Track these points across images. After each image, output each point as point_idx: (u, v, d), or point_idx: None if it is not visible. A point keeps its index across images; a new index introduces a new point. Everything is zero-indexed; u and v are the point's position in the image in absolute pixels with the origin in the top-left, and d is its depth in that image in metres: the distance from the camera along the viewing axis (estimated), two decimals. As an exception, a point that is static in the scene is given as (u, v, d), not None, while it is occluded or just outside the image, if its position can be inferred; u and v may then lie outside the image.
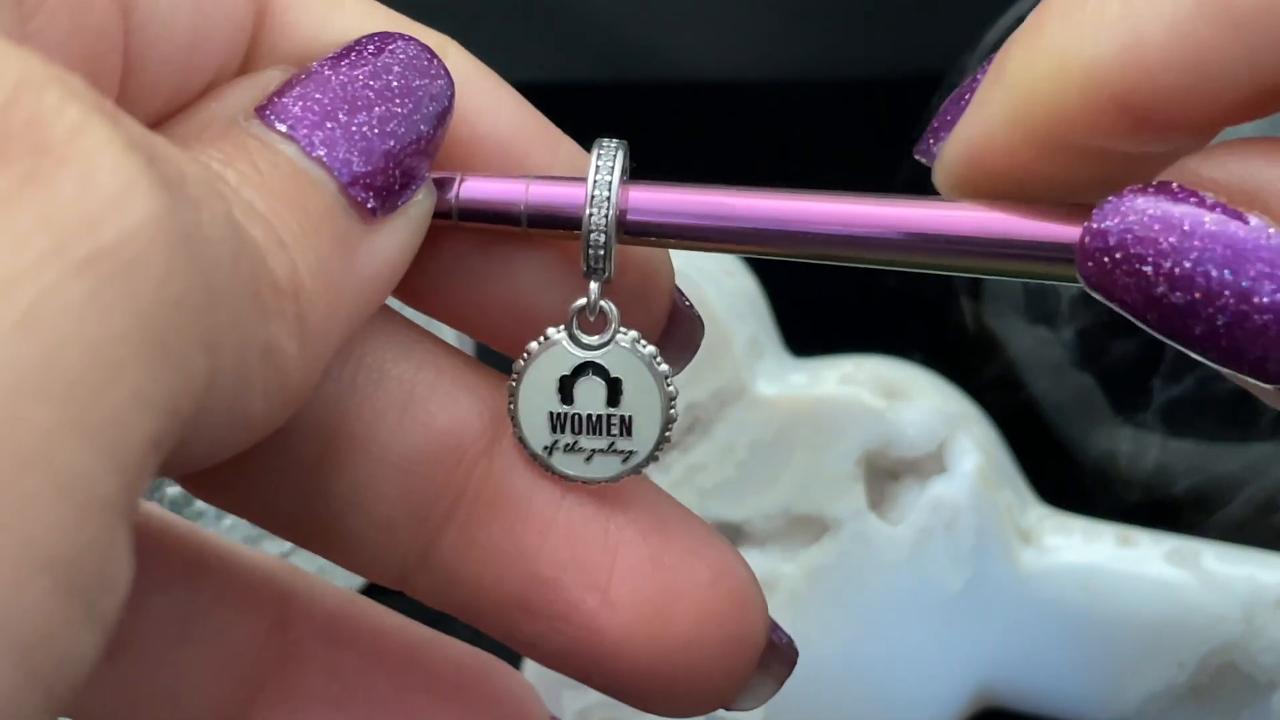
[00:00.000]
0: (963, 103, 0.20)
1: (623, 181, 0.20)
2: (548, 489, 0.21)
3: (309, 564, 0.29)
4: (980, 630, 0.37)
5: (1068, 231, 0.19)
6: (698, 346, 0.23)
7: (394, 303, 0.20)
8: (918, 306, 0.43)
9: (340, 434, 0.20)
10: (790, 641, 0.22)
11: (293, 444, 0.20)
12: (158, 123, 0.19)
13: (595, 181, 0.20)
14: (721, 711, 0.22)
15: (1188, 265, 0.17)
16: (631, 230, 0.20)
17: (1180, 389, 0.38)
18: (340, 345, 0.18)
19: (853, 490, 0.37)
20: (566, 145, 0.21)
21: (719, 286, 0.38)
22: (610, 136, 0.20)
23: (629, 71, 0.50)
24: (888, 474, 0.38)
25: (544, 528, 0.20)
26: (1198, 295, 0.17)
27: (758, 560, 0.37)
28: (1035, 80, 0.18)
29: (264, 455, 0.19)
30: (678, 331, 0.22)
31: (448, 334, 0.24)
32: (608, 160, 0.20)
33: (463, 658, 0.23)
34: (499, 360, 0.21)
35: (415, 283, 0.20)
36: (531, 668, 0.37)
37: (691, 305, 0.23)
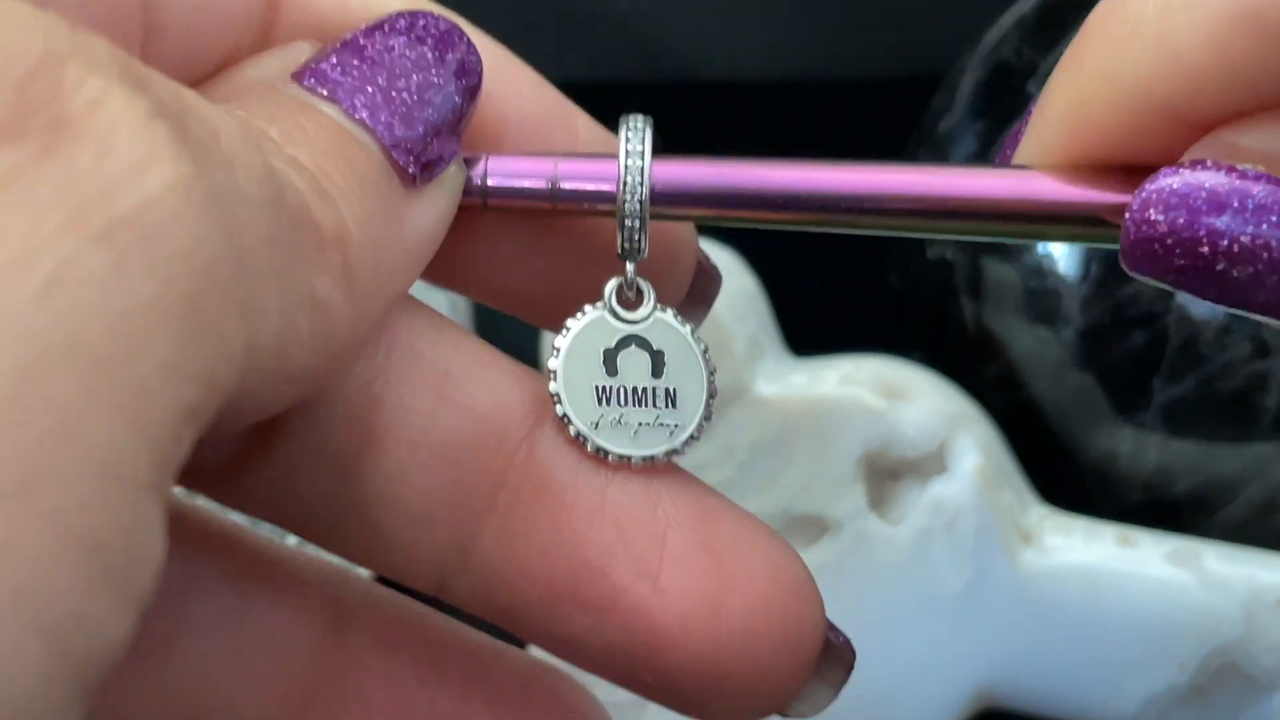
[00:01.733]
0: (1019, 136, 0.20)
1: (653, 157, 0.19)
2: (592, 473, 0.20)
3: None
4: (980, 630, 0.37)
5: (1110, 197, 0.19)
6: (712, 302, 0.23)
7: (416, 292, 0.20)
8: (918, 306, 0.43)
9: (375, 420, 0.19)
10: (848, 642, 0.21)
11: (325, 431, 0.19)
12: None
13: (627, 159, 0.19)
14: None
15: (1246, 240, 0.17)
16: (662, 204, 0.19)
17: (1181, 389, 0.38)
18: (387, 308, 0.18)
19: (853, 490, 0.37)
20: (584, 120, 0.21)
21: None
22: (616, 131, 0.20)
23: (629, 71, 0.50)
24: (888, 474, 0.37)
25: (589, 514, 0.19)
26: (1260, 267, 0.17)
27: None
28: (1084, 103, 0.19)
29: (293, 445, 0.19)
30: (696, 286, 0.22)
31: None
32: (637, 137, 0.20)
33: (526, 668, 0.22)
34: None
35: (444, 263, 0.20)
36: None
37: (710, 260, 0.22)
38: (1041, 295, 0.39)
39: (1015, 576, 0.37)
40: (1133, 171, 0.19)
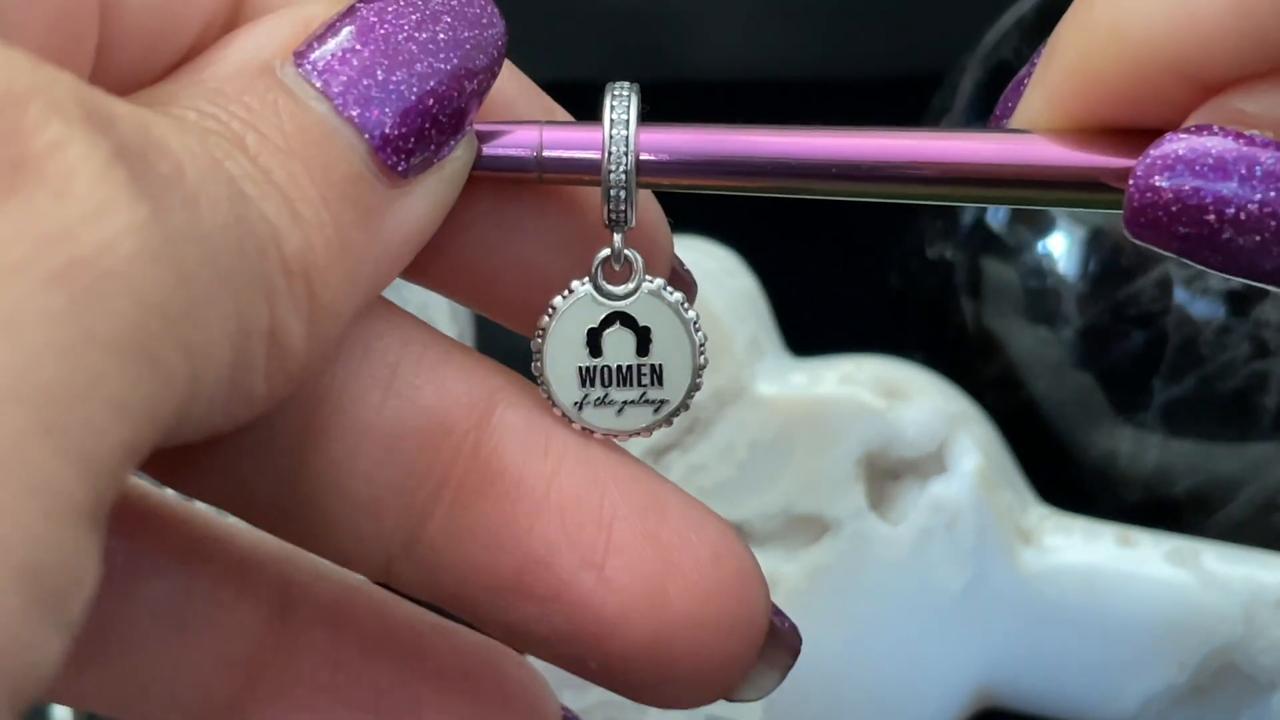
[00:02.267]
0: (1021, 87, 0.20)
1: (639, 124, 0.19)
2: (539, 465, 0.20)
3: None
4: (980, 630, 0.37)
5: (1113, 161, 0.18)
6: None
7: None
8: (918, 306, 0.43)
9: (322, 411, 0.19)
10: (793, 627, 0.22)
11: (274, 422, 0.19)
12: (152, 69, 0.18)
13: (612, 125, 0.19)
14: (721, 706, 0.21)
15: (1253, 208, 0.17)
16: (649, 173, 0.19)
17: (1181, 389, 0.38)
18: (356, 313, 0.18)
19: (853, 490, 0.37)
20: (561, 115, 0.20)
21: (719, 286, 0.38)
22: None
23: (628, 71, 0.49)
24: (888, 474, 0.37)
25: (535, 506, 0.20)
26: (1267, 235, 0.17)
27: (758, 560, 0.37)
28: (1092, 56, 0.18)
29: (241, 435, 0.19)
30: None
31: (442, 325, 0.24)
32: (622, 104, 0.19)
33: (471, 647, 0.23)
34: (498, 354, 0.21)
35: (420, 259, 0.20)
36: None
37: (686, 268, 0.22)
38: (1041, 295, 0.39)
39: (1015, 576, 0.37)
40: (1137, 135, 0.18)
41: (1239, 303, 0.36)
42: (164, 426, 0.14)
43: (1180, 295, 0.37)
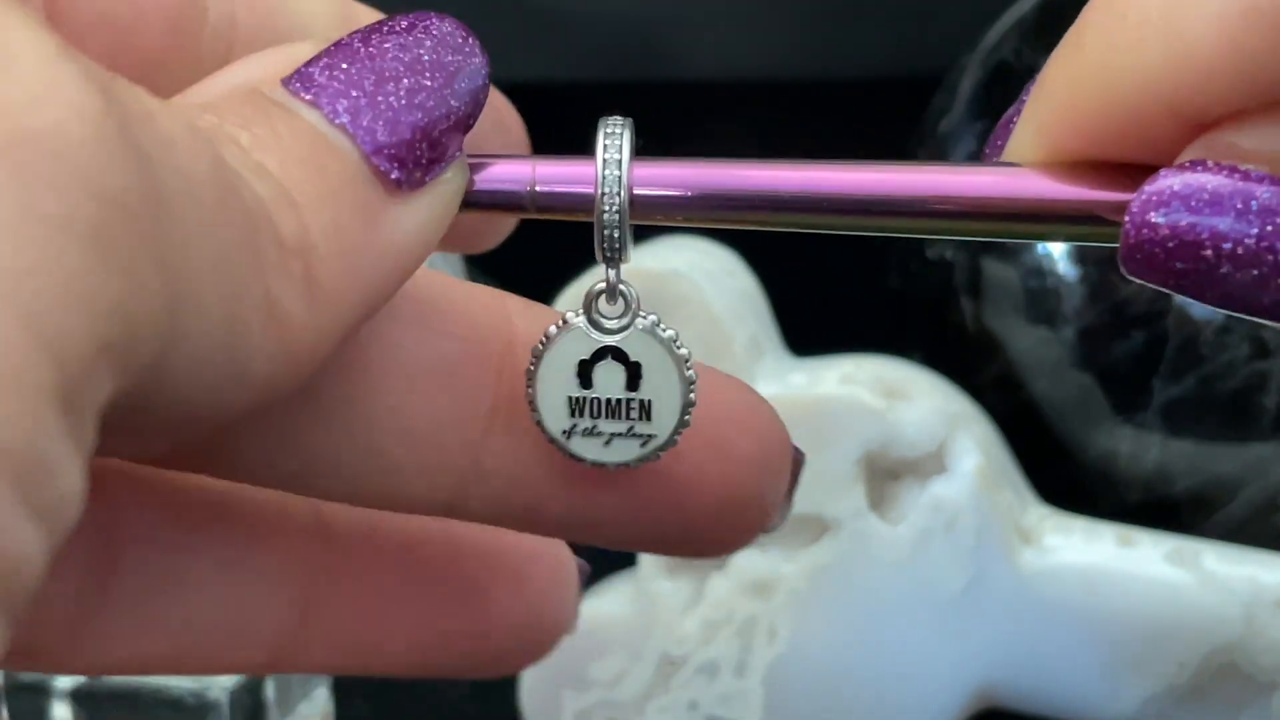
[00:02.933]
0: (1010, 125, 0.20)
1: (632, 160, 0.19)
2: None
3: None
4: (980, 630, 0.37)
5: (1108, 195, 0.18)
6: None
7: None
8: (918, 306, 0.43)
9: (365, 362, 0.20)
10: (799, 449, 0.23)
11: (317, 386, 0.19)
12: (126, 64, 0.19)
13: (605, 163, 0.19)
14: (721, 705, 0.22)
15: (1250, 243, 0.17)
16: (643, 209, 0.19)
17: (1181, 389, 0.38)
18: (362, 315, 0.18)
19: (853, 490, 0.37)
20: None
21: (719, 286, 0.38)
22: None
23: (627, 71, 0.50)
24: (888, 474, 0.37)
25: None
26: (1265, 270, 0.17)
27: (758, 560, 0.37)
28: (1083, 96, 0.18)
29: (288, 408, 0.19)
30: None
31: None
32: (615, 140, 0.19)
33: (492, 531, 0.24)
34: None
35: None
36: (530, 670, 0.37)
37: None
38: (1041, 295, 0.39)
39: (1015, 576, 0.37)
40: (1129, 169, 0.18)
41: (1239, 303, 0.36)
42: (142, 341, 0.14)
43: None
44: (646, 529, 0.22)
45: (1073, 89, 0.18)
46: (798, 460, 0.23)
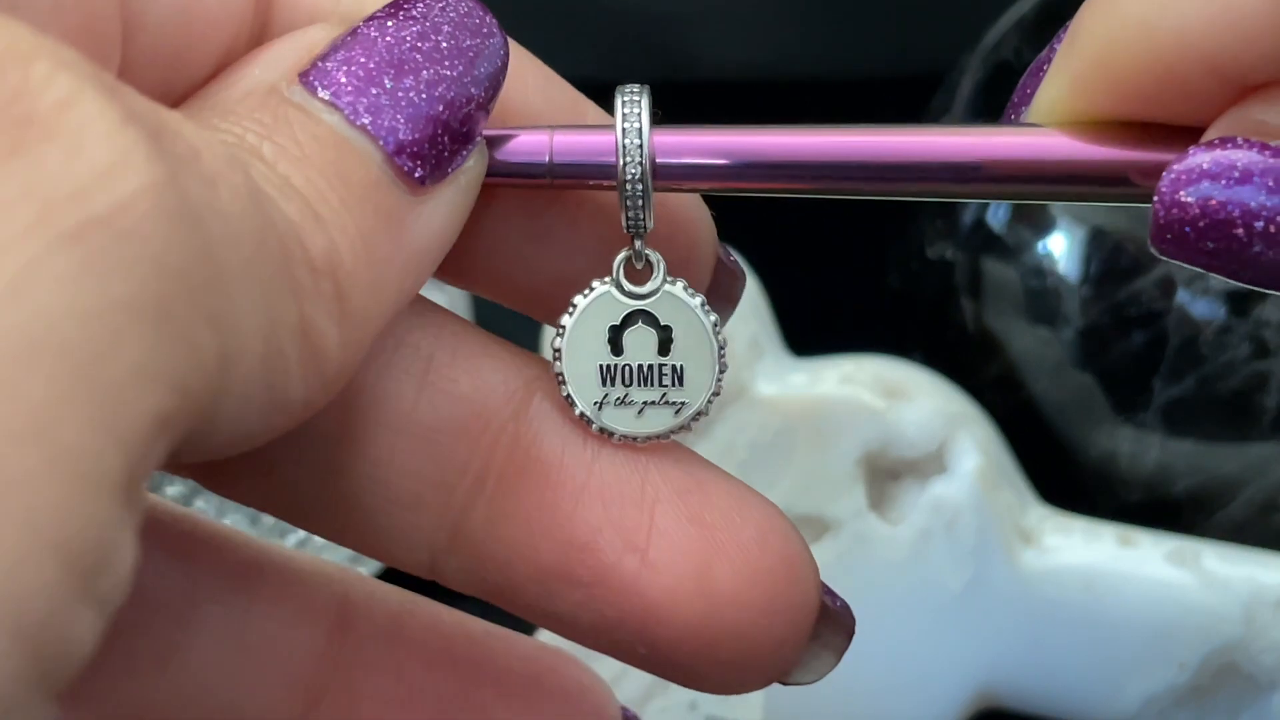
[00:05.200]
0: (1040, 74, 0.19)
1: (651, 127, 0.19)
2: (578, 452, 0.20)
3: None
4: (981, 630, 0.37)
5: (1134, 156, 0.18)
6: (738, 300, 0.22)
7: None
8: (918, 306, 0.43)
9: (359, 408, 0.19)
10: (846, 606, 0.21)
11: (312, 421, 0.18)
12: (173, 92, 0.18)
13: (624, 130, 0.19)
14: (720, 705, 0.21)
15: None
16: (665, 176, 0.19)
17: (1181, 389, 0.38)
18: (386, 322, 0.18)
19: (853, 490, 0.37)
20: (594, 112, 0.20)
21: (719, 286, 0.38)
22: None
23: (628, 71, 0.49)
24: (888, 474, 0.37)
25: (577, 491, 0.20)
26: None
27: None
28: (1119, 49, 0.18)
29: (283, 437, 0.19)
30: (719, 284, 0.22)
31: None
32: (634, 107, 0.19)
33: (529, 651, 0.22)
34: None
35: (451, 266, 0.20)
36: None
37: (734, 258, 0.22)
38: (1041, 295, 0.39)
39: (1015, 576, 0.37)
40: (1162, 130, 0.18)
41: (1239, 303, 0.36)
42: (197, 404, 0.14)
43: (1181, 295, 0.37)
44: (615, 643, 0.20)
45: (1108, 42, 0.18)
46: (834, 610, 0.21)
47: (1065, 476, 0.40)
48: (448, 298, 0.40)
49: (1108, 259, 0.38)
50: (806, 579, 0.20)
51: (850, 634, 0.21)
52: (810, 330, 0.39)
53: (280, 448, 0.19)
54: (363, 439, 0.19)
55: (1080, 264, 0.38)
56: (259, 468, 0.19)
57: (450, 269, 0.20)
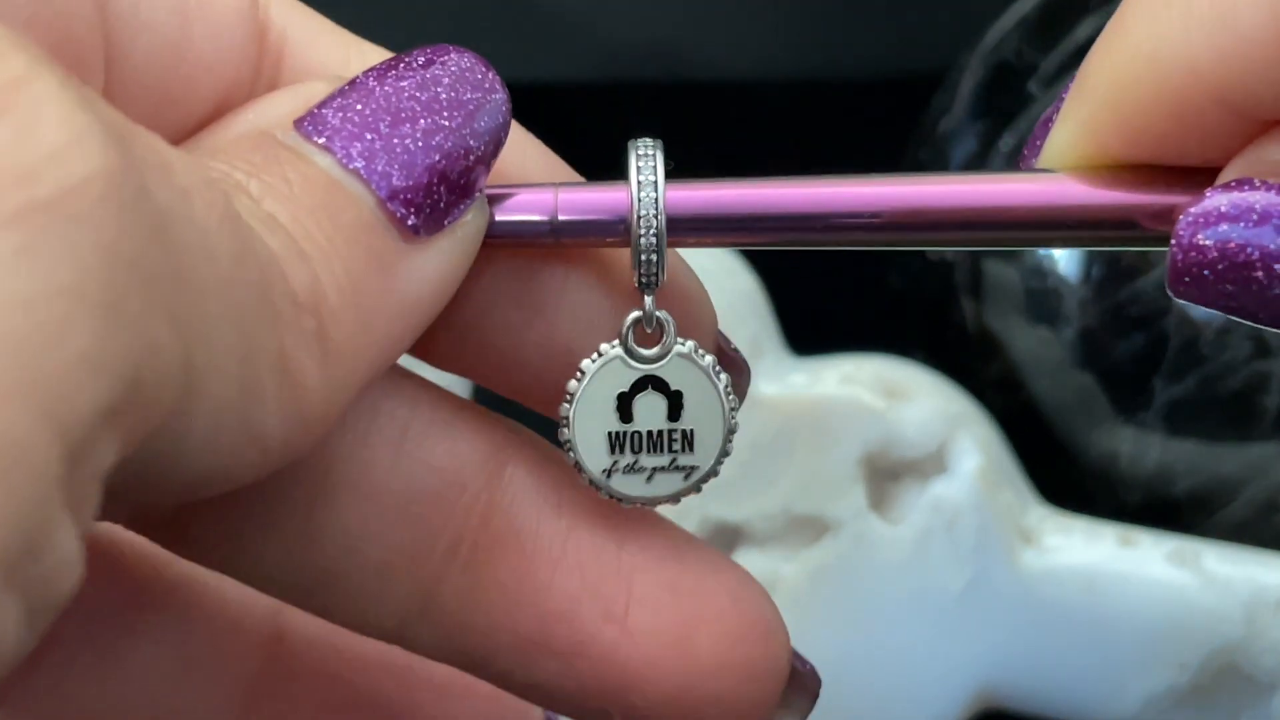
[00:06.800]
0: (1049, 124, 0.19)
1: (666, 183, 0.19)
2: (554, 522, 0.20)
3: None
4: (981, 631, 0.37)
5: (1144, 200, 0.18)
6: (744, 396, 0.21)
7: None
8: (919, 306, 0.43)
9: (332, 474, 0.19)
10: (813, 670, 0.21)
11: (282, 486, 0.18)
12: (162, 134, 0.18)
13: (640, 184, 0.18)
14: None
15: None
16: (679, 233, 0.19)
17: (1181, 389, 0.38)
18: (376, 369, 0.17)
19: (853, 490, 0.37)
20: (572, 177, 0.20)
21: (719, 286, 0.38)
22: (603, 137, 0.19)
23: (626, 72, 0.50)
24: (888, 474, 0.37)
25: (553, 562, 0.19)
26: None
27: (758, 560, 0.37)
28: (1128, 88, 0.17)
29: (251, 501, 0.18)
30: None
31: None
32: (649, 162, 0.19)
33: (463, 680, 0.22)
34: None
35: (441, 343, 0.19)
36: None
37: (738, 351, 0.22)
38: (1042, 295, 0.39)
39: (1015, 576, 0.37)
40: (1173, 173, 0.18)
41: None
42: (153, 401, 0.13)
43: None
44: (592, 712, 0.20)
45: (1117, 79, 0.17)
46: (802, 674, 0.21)
47: (1066, 476, 0.40)
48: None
49: (1108, 259, 0.38)
50: (780, 644, 0.20)
51: (815, 697, 0.21)
52: (810, 330, 0.39)
53: (248, 514, 0.18)
54: (335, 507, 0.19)
55: (1081, 264, 0.38)
56: (226, 534, 0.19)
57: (441, 355, 0.20)
